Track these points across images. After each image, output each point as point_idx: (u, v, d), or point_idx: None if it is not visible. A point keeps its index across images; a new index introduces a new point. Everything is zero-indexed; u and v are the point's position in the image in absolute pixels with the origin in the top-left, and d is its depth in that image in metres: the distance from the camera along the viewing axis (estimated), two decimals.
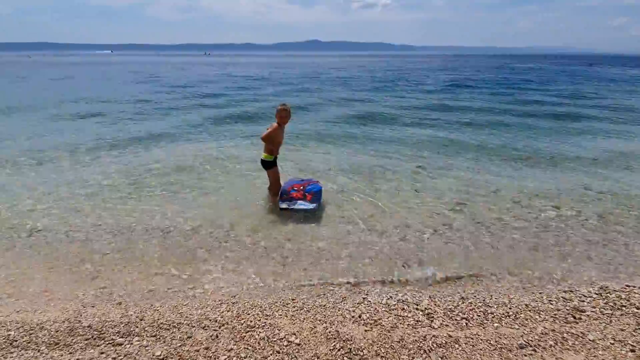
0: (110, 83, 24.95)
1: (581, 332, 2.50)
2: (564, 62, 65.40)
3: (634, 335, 2.47)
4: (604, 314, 2.73)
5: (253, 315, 2.69)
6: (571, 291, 3.07)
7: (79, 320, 2.63)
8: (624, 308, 2.81)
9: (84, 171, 6.34)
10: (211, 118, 11.74)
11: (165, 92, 18.95)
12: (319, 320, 2.62)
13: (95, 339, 2.44)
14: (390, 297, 2.98)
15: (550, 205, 4.94)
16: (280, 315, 2.70)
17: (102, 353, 2.31)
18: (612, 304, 2.86)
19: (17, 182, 5.77)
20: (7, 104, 13.68)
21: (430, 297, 2.98)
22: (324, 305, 2.84)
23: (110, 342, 2.41)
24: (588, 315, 2.72)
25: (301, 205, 4.58)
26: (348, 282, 3.25)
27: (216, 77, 29.55)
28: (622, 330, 2.53)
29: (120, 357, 2.26)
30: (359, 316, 2.68)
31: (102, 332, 2.50)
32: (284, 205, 4.61)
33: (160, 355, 2.27)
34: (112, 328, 2.54)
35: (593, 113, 12.78)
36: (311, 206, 4.59)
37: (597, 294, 3.01)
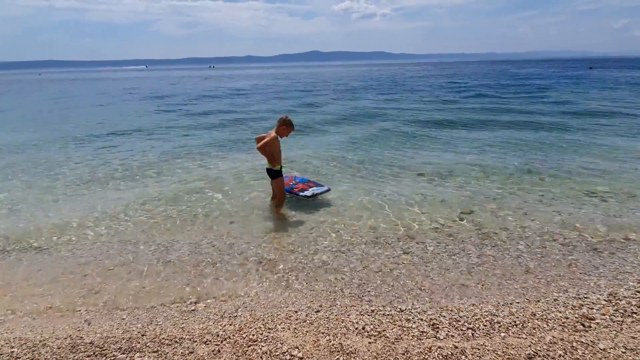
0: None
1: (591, 341, 2.44)
2: (564, 65, 65.46)
3: None
4: (614, 322, 2.67)
5: (255, 328, 2.66)
6: (579, 298, 3.00)
7: (81, 337, 2.62)
8: (634, 315, 2.74)
9: (83, 186, 6.40)
10: (211, 130, 11.87)
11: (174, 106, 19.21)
12: (322, 333, 2.59)
13: (97, 355, 2.42)
14: (394, 307, 2.94)
15: (556, 211, 4.89)
16: (283, 328, 2.66)
17: None
18: (622, 311, 2.79)
19: (20, 197, 5.84)
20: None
21: (434, 307, 2.93)
22: (327, 317, 2.81)
23: (112, 358, 2.39)
24: (598, 323, 2.66)
25: (317, 190, 5.24)
26: (351, 294, 3.21)
27: (219, 91, 29.90)
28: (634, 338, 2.47)
29: None
30: (363, 328, 2.64)
31: (104, 348, 2.48)
32: (309, 193, 5.13)
33: None
34: (114, 344, 2.52)
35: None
36: (325, 187, 5.25)
37: (606, 301, 2.94)
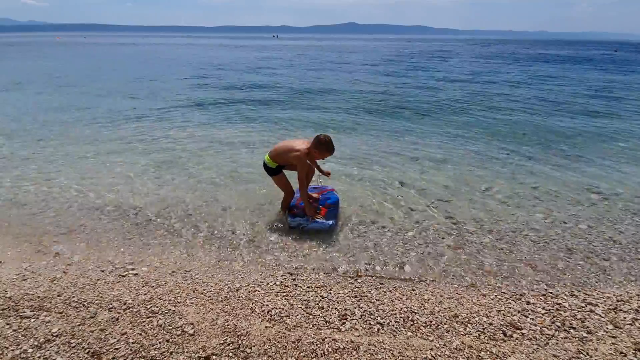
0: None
1: (503, 353, 2.22)
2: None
3: None
4: (543, 334, 2.41)
5: (166, 300, 2.67)
6: (519, 304, 2.74)
7: (5, 290, 2.75)
8: (572, 330, 2.46)
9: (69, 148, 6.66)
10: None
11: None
12: (225, 312, 2.55)
13: (9, 309, 2.54)
14: (317, 294, 2.84)
15: (541, 207, 4.48)
16: (191, 302, 2.65)
17: (7, 324, 2.39)
18: (559, 323, 2.52)
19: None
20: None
21: (357, 296, 2.80)
22: (241, 297, 2.76)
23: (21, 314, 2.49)
24: (523, 333, 2.42)
25: (313, 224, 3.82)
26: (283, 275, 3.13)
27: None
28: (555, 356, 2.22)
29: (20, 330, 2.33)
30: (269, 311, 2.57)
31: (18, 304, 2.59)
32: (294, 224, 3.85)
33: (55, 332, 2.32)
34: (29, 301, 2.62)
35: None
36: (328, 223, 3.81)
37: (546, 310, 2.66)
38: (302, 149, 3.65)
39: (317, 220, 3.86)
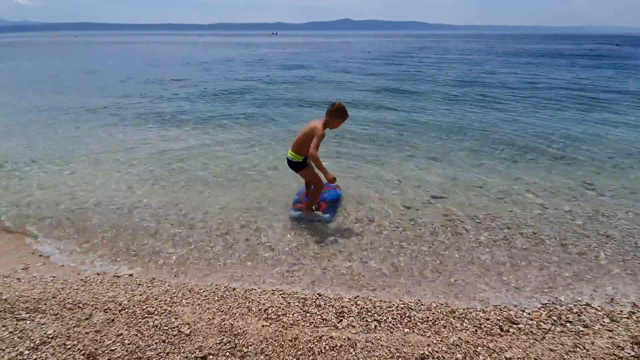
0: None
1: (499, 348, 2.22)
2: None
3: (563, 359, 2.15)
4: (539, 329, 2.42)
5: (162, 301, 2.66)
6: (516, 298, 2.75)
7: (0, 292, 2.73)
8: (568, 324, 2.47)
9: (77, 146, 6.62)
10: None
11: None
12: (221, 312, 2.54)
13: (5, 312, 2.52)
14: (314, 291, 2.84)
15: (537, 203, 4.49)
16: (187, 302, 2.64)
17: (3, 326, 2.37)
18: (555, 318, 2.52)
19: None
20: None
21: (354, 294, 2.80)
22: (238, 296, 2.75)
23: (16, 316, 2.47)
24: (520, 328, 2.42)
25: (312, 216, 4.03)
26: (280, 273, 3.13)
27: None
28: (552, 350, 2.22)
29: (15, 332, 2.31)
30: (265, 310, 2.56)
31: (14, 306, 2.57)
32: (295, 215, 4.06)
33: (51, 334, 2.30)
34: (24, 303, 2.60)
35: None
36: (324, 217, 4.01)
37: (542, 305, 2.67)
38: (318, 130, 3.62)
39: (316, 213, 4.05)
